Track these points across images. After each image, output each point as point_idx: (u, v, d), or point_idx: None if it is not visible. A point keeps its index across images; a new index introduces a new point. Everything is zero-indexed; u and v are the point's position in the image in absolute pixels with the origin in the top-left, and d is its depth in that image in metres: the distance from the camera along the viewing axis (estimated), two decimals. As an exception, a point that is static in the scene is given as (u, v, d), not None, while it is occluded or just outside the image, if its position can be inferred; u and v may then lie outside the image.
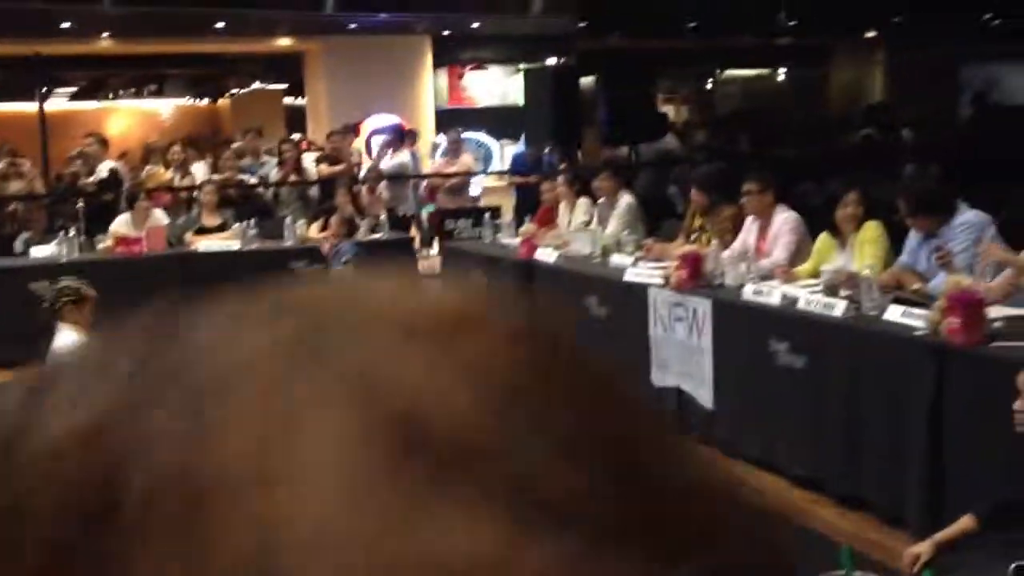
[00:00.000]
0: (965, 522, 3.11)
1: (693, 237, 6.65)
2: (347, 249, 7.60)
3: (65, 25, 12.97)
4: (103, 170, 9.87)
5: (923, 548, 3.14)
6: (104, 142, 10.38)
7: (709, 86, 14.66)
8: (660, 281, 5.71)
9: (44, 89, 15.25)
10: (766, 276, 5.38)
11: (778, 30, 14.30)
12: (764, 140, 12.42)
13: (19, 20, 12.41)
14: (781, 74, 15.72)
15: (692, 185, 6.62)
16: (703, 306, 5.24)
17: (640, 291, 5.78)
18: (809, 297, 4.70)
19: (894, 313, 4.25)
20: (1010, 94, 14.29)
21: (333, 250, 7.75)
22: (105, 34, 14.08)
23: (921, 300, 4.35)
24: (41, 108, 14.84)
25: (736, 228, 6.29)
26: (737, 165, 8.80)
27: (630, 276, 6.04)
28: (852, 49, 15.40)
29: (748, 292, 5.09)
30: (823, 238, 5.51)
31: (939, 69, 14.12)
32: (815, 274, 5.30)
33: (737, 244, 6.07)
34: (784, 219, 5.91)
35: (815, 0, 13.59)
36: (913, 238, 4.92)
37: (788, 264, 5.58)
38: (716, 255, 5.71)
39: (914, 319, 4.11)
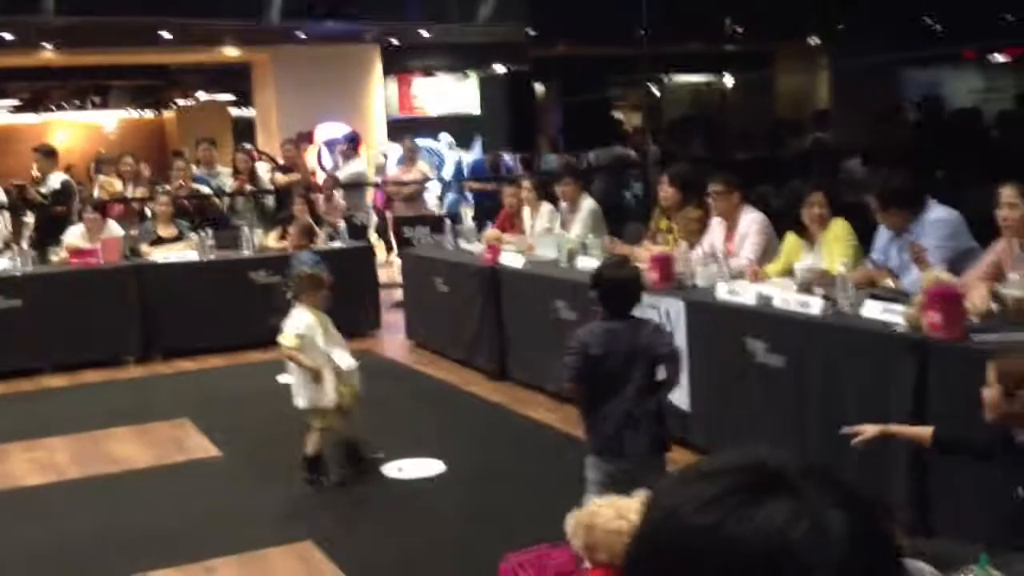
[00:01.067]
0: (923, 434, 3.28)
1: (659, 239, 6.68)
2: (306, 259, 7.44)
3: (6, 36, 12.68)
4: (55, 182, 9.65)
5: (872, 430, 3.29)
6: (53, 153, 10.15)
7: (659, 92, 14.77)
8: (630, 283, 5.71)
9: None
10: (737, 276, 5.42)
11: (726, 37, 14.48)
12: (716, 144, 12.54)
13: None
14: (729, 79, 15.91)
15: (665, 181, 6.63)
16: (676, 307, 5.25)
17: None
18: (785, 296, 4.73)
19: (872, 309, 4.30)
20: (952, 98, 14.61)
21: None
22: (48, 45, 13.79)
23: (896, 296, 4.40)
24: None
25: (702, 230, 6.33)
26: (696, 167, 8.87)
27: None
28: (797, 54, 15.63)
29: (722, 292, 5.11)
30: (791, 237, 5.56)
31: (881, 73, 14.39)
32: (785, 273, 5.35)
33: (704, 245, 6.11)
34: (751, 219, 5.96)
35: (761, 7, 13.78)
36: (883, 235, 4.97)
37: (756, 263, 5.63)
38: (685, 256, 5.74)
39: (892, 315, 4.15)
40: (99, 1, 11.57)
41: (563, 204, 7.69)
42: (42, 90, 18.36)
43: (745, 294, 4.96)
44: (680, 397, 5.18)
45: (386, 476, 5.20)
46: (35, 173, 10.03)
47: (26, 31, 12.46)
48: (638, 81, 13.98)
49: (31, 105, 19.00)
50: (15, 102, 18.63)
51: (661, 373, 3.91)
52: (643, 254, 6.41)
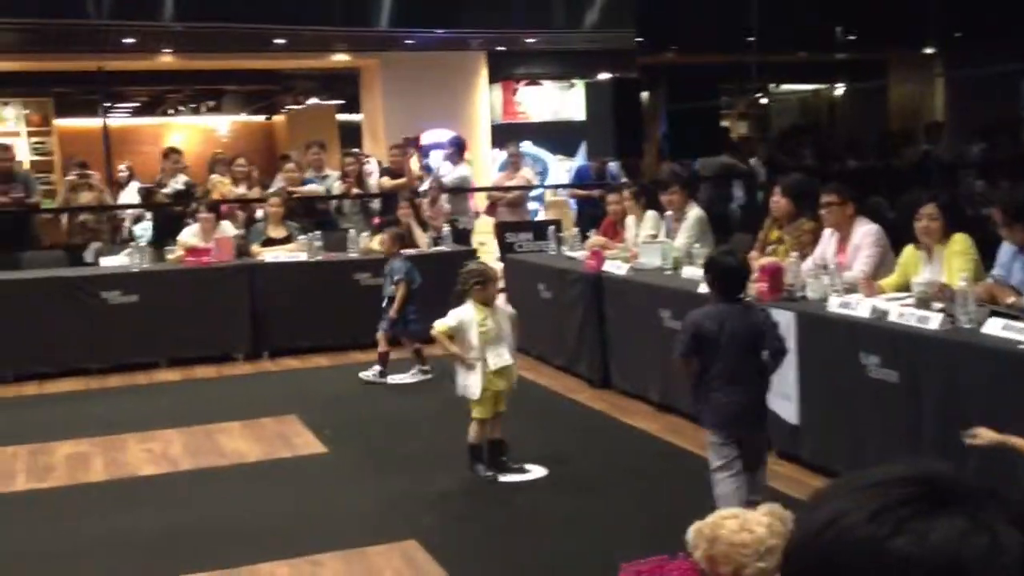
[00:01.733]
0: None
1: (769, 249, 6.57)
2: (398, 268, 7.48)
3: (128, 41, 13.16)
4: (178, 182, 9.99)
5: (991, 435, 3.30)
6: (179, 155, 10.57)
7: (768, 100, 14.54)
8: (739, 294, 5.63)
9: (107, 104, 15.47)
10: (850, 289, 5.29)
11: (836, 45, 14.18)
12: (826, 154, 12.29)
13: (85, 36, 12.61)
14: (840, 88, 15.59)
15: (777, 192, 6.52)
16: (786, 319, 5.15)
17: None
18: (901, 310, 4.60)
19: (993, 326, 4.16)
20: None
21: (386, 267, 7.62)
22: (167, 50, 14.26)
23: (1019, 314, 4.25)
24: (104, 123, 15.04)
25: (814, 241, 6.21)
26: (809, 178, 8.71)
27: (705, 288, 5.96)
28: (911, 64, 15.23)
29: (834, 305, 5.00)
30: (909, 250, 5.40)
31: (999, 85, 13.91)
32: (901, 287, 5.21)
33: (816, 256, 5.99)
34: (865, 231, 5.81)
35: (873, 16, 13.46)
36: (1006, 251, 4.81)
37: (871, 277, 5.49)
38: (796, 267, 5.64)
39: (1016, 332, 4.01)
40: (216, 8, 11.90)
41: (669, 212, 7.62)
42: (160, 93, 18.97)
43: (859, 307, 4.84)
44: (789, 410, 5.09)
45: (486, 479, 5.21)
46: (161, 174, 10.43)
47: (147, 36, 12.90)
48: (746, 89, 13.80)
49: (149, 108, 19.66)
50: (135, 104, 19.30)
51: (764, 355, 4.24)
52: (752, 264, 6.33)
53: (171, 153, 10.60)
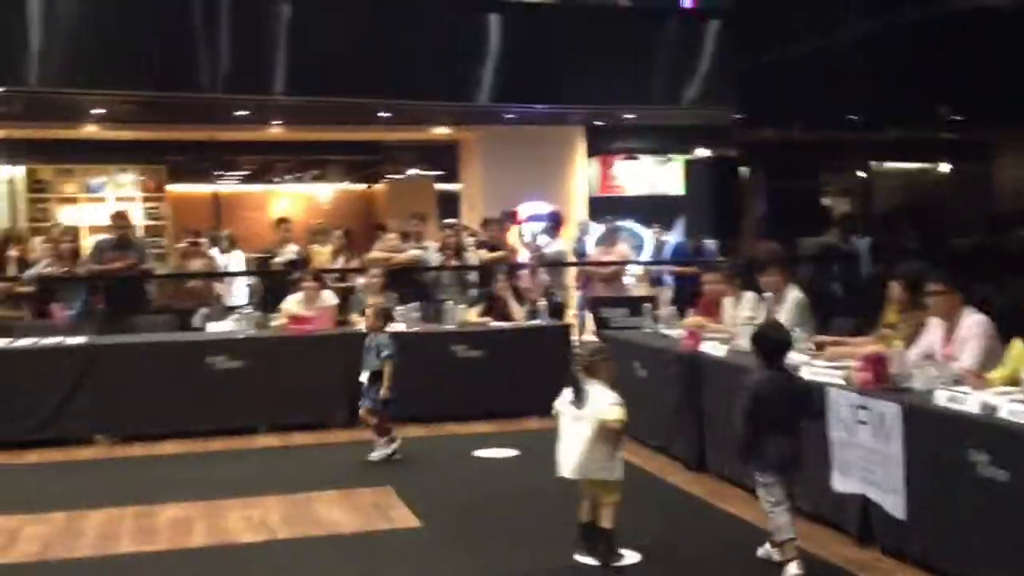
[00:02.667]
0: None
1: (882, 334, 6.44)
2: (385, 343, 7.32)
3: (240, 113, 13.69)
4: (290, 252, 10.33)
5: None
6: (290, 225, 10.98)
7: (870, 179, 14.38)
8: (841, 381, 5.56)
9: (217, 172, 16.07)
10: (956, 381, 5.17)
11: (942, 124, 13.97)
12: (931, 236, 12.06)
13: (200, 108, 13.18)
14: (945, 167, 15.33)
15: (895, 280, 6.41)
16: (891, 410, 5.05)
17: (817, 391, 5.62)
18: (1012, 407, 4.48)
19: (1112, 428, 4.01)
20: None
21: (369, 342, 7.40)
22: (276, 122, 14.79)
23: None
24: (214, 190, 15.61)
25: (919, 329, 6.08)
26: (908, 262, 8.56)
27: (806, 374, 5.89)
28: (1019, 145, 14.90)
29: (941, 398, 4.89)
30: (1018, 344, 5.26)
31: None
32: (1011, 381, 5.07)
33: (922, 346, 5.87)
34: (973, 322, 5.67)
35: (980, 95, 13.25)
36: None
37: (978, 369, 5.36)
38: (902, 357, 5.53)
39: None
40: (325, 82, 12.32)
41: (768, 294, 7.55)
42: (267, 162, 19.60)
43: (968, 402, 4.72)
44: (896, 505, 4.97)
45: (578, 562, 5.18)
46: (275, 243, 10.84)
47: (258, 109, 13.41)
48: (848, 168, 13.70)
49: (256, 176, 20.31)
50: (243, 173, 19.97)
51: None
52: (852, 350, 6.21)
53: (282, 223, 10.96)
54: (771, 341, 5.12)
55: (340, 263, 10.40)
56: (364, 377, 7.33)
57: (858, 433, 5.27)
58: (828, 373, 5.75)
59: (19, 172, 15.64)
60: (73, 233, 11.52)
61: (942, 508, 4.73)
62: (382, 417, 7.38)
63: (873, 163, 14.13)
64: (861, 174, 13.79)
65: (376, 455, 7.37)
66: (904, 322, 6.24)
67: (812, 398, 5.19)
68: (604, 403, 5.03)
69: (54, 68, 10.91)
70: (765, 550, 5.12)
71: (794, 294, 7.43)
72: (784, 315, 7.27)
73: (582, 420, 5.03)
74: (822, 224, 11.48)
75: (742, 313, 7.82)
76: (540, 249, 11.14)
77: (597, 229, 13.09)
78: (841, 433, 5.41)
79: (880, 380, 5.30)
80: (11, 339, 8.45)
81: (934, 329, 5.86)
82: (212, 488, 6.66)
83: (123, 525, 5.92)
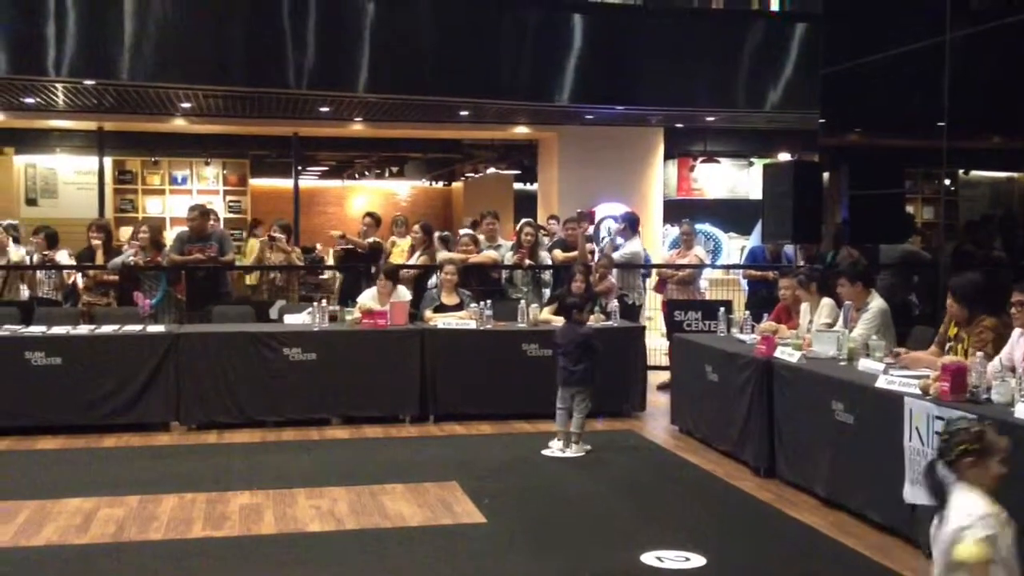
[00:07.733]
0: None
1: (948, 347, 6.29)
2: None
3: (323, 109, 13.88)
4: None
5: None
6: (378, 220, 11.16)
7: (956, 187, 14.01)
8: (918, 391, 5.43)
9: (299, 167, 16.32)
10: (1038, 394, 5.01)
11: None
12: (1019, 245, 11.70)
13: (285, 105, 13.39)
14: (1035, 177, 14.89)
15: (950, 295, 6.26)
16: (969, 422, 4.91)
17: (894, 400, 5.50)
18: (1097, 422, 4.32)
19: None
20: None
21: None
22: (358, 119, 14.97)
23: None
24: (296, 184, 15.86)
25: (999, 339, 5.92)
26: (991, 272, 8.33)
27: (883, 383, 5.77)
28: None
29: (1021, 411, 4.74)
30: (1106, 358, 5.08)
31: None
32: (1096, 396, 4.90)
33: (1003, 356, 5.70)
34: (1058, 334, 5.51)
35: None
36: None
37: (1063, 383, 5.18)
38: (981, 367, 5.38)
39: None
40: (407, 81, 12.42)
41: (847, 301, 7.41)
42: (348, 158, 19.88)
43: (1049, 416, 4.57)
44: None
45: (643, 563, 5.14)
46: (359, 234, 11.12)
47: (341, 106, 13.58)
48: (933, 175, 13.36)
49: (336, 171, 20.59)
50: (323, 168, 20.27)
51: None
52: (930, 359, 6.08)
53: (366, 217, 11.24)
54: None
55: (417, 259, 10.47)
56: None
57: (934, 444, 5.13)
58: (905, 383, 5.61)
59: (107, 163, 16.08)
60: (157, 224, 11.80)
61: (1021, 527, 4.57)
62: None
63: (960, 170, 13.77)
64: (947, 182, 13.45)
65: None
66: (968, 332, 6.07)
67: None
68: (959, 525, 3.17)
69: (144, 63, 11.19)
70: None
71: (877, 303, 7.28)
72: (864, 324, 7.14)
73: (936, 542, 3.29)
74: (904, 231, 11.22)
75: (819, 320, 7.70)
76: (617, 246, 11.09)
77: (673, 231, 12.99)
78: (915, 443, 5.28)
79: (958, 390, 5.17)
80: (95, 326, 8.68)
81: (1018, 340, 5.69)
82: (282, 478, 6.76)
83: (195, 510, 6.05)
